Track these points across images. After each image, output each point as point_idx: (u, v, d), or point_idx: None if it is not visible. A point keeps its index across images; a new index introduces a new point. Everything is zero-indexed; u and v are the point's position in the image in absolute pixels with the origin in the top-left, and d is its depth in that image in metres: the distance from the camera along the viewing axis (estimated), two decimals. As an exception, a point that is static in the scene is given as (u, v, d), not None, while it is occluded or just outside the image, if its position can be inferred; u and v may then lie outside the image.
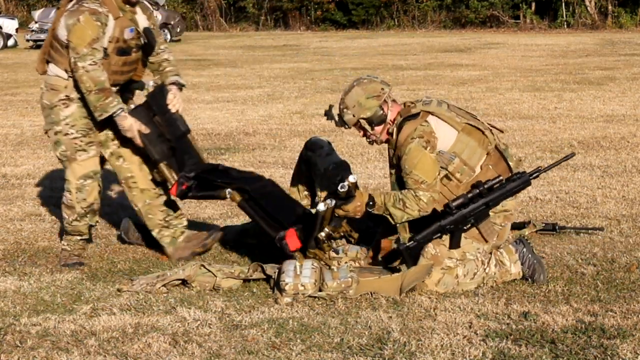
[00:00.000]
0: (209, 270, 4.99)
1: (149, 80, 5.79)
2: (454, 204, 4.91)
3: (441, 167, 4.97)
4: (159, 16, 29.58)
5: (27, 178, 8.31)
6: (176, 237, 5.75)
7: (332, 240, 5.11)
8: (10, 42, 28.09)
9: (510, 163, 5.08)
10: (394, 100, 5.13)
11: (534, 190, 7.32)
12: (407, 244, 4.99)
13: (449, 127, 5.01)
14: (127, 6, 5.49)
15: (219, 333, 4.39)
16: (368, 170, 8.35)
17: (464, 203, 4.92)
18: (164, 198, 5.74)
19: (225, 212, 6.94)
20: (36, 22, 28.30)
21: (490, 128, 5.12)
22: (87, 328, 4.48)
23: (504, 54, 21.87)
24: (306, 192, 5.82)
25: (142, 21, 5.58)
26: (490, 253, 5.04)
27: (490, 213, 5.01)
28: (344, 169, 5.59)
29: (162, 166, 5.53)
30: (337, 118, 5.12)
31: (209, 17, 37.31)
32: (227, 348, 4.20)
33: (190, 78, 17.94)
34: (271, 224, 5.32)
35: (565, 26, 32.15)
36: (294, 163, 6.15)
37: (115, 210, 6.99)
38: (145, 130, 5.45)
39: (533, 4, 33.73)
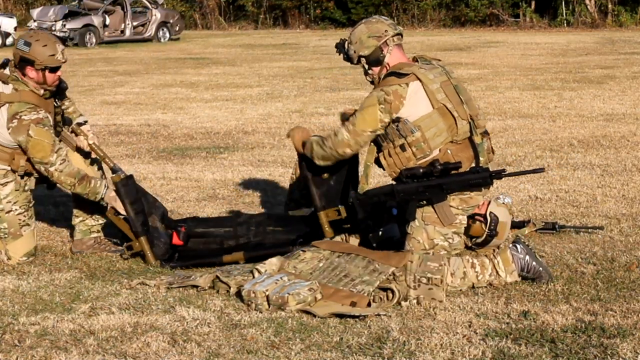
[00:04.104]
0: (224, 282, 4.97)
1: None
2: (406, 172, 5.01)
3: (401, 136, 5.02)
4: (157, 14, 29.60)
5: (26, 177, 8.29)
6: (91, 232, 5.95)
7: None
8: (9, 41, 28.01)
9: (482, 158, 5.07)
10: (399, 46, 5.19)
11: (534, 189, 7.31)
12: (358, 195, 5.15)
13: (427, 101, 5.04)
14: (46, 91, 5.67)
15: (218, 332, 4.37)
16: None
17: (416, 175, 4.99)
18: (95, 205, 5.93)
19: (224, 210, 6.93)
20: (35, 21, 28.24)
21: (470, 120, 5.09)
22: (86, 327, 4.47)
23: (503, 52, 21.86)
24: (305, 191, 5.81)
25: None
26: (488, 259, 4.97)
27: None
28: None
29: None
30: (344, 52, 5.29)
31: (207, 15, 37.26)
32: (226, 347, 4.19)
33: (189, 77, 17.93)
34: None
35: (565, 25, 32.11)
36: (293, 162, 6.14)
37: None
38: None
39: (533, 3, 33.70)
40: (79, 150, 5.90)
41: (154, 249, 5.61)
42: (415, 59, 5.24)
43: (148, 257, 5.57)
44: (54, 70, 5.58)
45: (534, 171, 5.21)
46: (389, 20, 5.25)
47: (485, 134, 5.21)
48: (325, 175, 5.42)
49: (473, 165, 5.09)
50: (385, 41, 5.13)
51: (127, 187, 5.63)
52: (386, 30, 5.15)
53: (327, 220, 5.42)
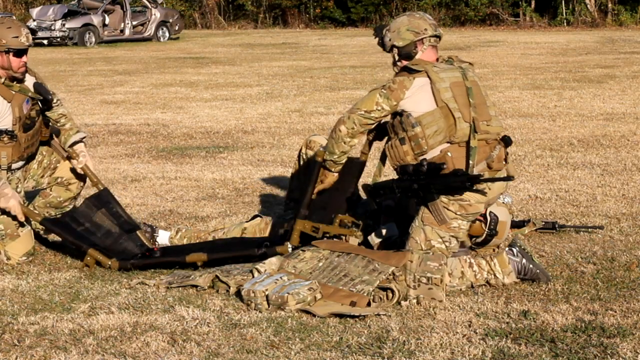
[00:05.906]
0: (224, 282, 4.96)
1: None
2: (400, 168, 5.03)
3: (403, 129, 5.02)
4: (157, 14, 29.59)
5: (25, 176, 8.28)
6: None
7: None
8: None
9: (471, 162, 5.01)
10: (434, 47, 5.18)
11: (534, 188, 7.31)
12: (368, 186, 5.23)
13: (431, 99, 5.01)
14: (15, 83, 5.63)
15: (217, 332, 4.37)
16: (368, 169, 8.31)
17: (407, 172, 5.01)
18: None
19: (224, 210, 6.92)
20: (34, 20, 28.26)
21: (471, 123, 5.04)
22: (85, 327, 4.47)
23: (503, 52, 21.86)
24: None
25: (30, 81, 5.74)
26: (485, 260, 4.95)
27: (444, 199, 4.99)
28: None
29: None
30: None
31: (207, 14, 37.27)
32: (225, 347, 4.18)
33: (189, 76, 17.93)
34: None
35: (565, 24, 32.12)
36: (292, 161, 6.13)
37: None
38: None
39: (533, 2, 33.71)
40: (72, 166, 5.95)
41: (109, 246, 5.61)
42: (437, 59, 5.20)
43: (103, 262, 5.47)
44: (18, 54, 5.55)
45: (505, 179, 5.09)
46: (432, 20, 5.24)
47: (501, 141, 5.13)
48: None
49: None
50: (422, 39, 5.13)
51: (55, 224, 5.67)
52: (426, 29, 5.14)
53: (301, 230, 5.33)
